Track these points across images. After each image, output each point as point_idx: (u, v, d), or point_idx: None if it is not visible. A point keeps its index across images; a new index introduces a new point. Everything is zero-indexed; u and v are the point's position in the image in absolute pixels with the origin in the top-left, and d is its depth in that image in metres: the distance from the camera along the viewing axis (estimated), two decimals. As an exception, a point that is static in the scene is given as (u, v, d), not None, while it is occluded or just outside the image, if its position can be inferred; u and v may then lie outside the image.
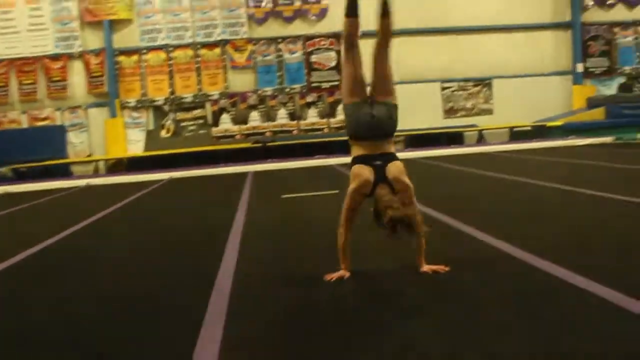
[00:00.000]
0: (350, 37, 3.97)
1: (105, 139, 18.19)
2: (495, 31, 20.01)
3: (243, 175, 12.89)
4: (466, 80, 19.82)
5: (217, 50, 18.47)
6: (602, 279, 3.13)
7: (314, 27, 18.97)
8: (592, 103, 19.30)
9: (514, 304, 2.95)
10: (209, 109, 18.67)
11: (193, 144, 17.99)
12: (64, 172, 17.19)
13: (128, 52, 18.18)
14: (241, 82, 18.82)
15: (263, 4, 18.59)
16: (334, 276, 3.59)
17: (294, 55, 18.88)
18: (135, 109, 18.35)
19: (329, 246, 3.89)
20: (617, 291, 2.91)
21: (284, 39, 18.80)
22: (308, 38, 18.86)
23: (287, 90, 18.90)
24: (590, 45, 20.71)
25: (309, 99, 19.01)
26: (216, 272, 3.95)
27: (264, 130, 18.78)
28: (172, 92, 18.39)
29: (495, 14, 19.81)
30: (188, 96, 18.46)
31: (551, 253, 3.76)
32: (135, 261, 4.72)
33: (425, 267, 3.62)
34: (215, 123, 18.65)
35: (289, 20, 18.81)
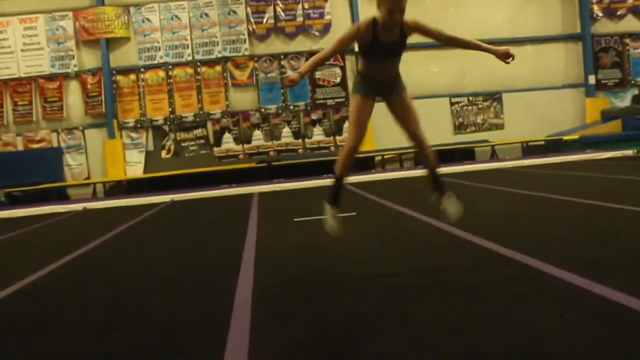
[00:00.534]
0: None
1: (103, 160, 17.53)
2: (504, 44, 19.27)
3: (248, 196, 12.18)
4: (476, 94, 19.21)
5: (218, 68, 17.88)
6: None
7: (317, 42, 18.39)
8: (606, 115, 18.66)
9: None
10: (210, 129, 18.03)
11: (194, 164, 17.32)
12: (60, 195, 16.51)
13: (126, 71, 17.59)
14: (243, 100, 18.21)
15: (264, 20, 18.04)
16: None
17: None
18: (134, 129, 17.71)
19: (356, 278, 3.21)
20: None
21: (286, 55, 18.22)
22: (311, 54, 18.25)
23: (291, 107, 18.28)
24: (602, 57, 20.15)
25: (314, 116, 18.38)
26: (229, 319, 3.23)
27: (267, 150, 18.12)
28: (172, 112, 17.76)
29: (503, 27, 19.29)
30: (188, 115, 17.82)
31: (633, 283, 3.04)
32: (132, 302, 3.99)
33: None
34: (217, 143, 18.00)
35: (291, 36, 18.24)
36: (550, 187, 8.69)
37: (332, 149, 18.31)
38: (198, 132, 17.97)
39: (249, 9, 17.92)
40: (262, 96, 18.14)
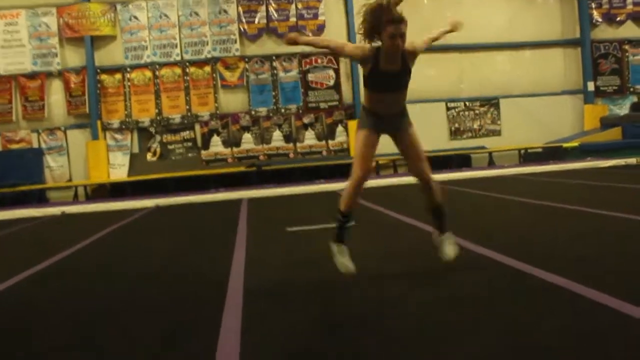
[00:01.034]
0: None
1: (86, 162, 16.79)
2: (502, 49, 18.99)
3: (237, 202, 11.54)
4: (472, 100, 18.68)
5: (207, 69, 17.23)
6: None
7: (310, 43, 17.76)
8: (606, 123, 18.21)
9: None
10: (198, 131, 17.36)
11: (181, 168, 16.65)
12: (40, 198, 15.77)
13: (111, 70, 16.89)
14: (233, 102, 17.55)
15: (256, 20, 17.42)
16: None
17: (289, 74, 17.67)
18: (118, 130, 17.00)
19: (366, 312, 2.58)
20: None
21: (278, 56, 17.61)
22: (304, 56, 17.68)
23: (283, 110, 17.65)
24: (601, 63, 19.72)
25: (306, 120, 17.76)
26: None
27: (257, 154, 17.47)
28: (159, 113, 17.08)
29: (501, 31, 18.81)
30: (176, 117, 17.15)
31: None
32: (92, 329, 3.35)
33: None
34: (205, 146, 17.33)
35: (283, 36, 17.59)
36: (557, 196, 8.13)
37: (324, 153, 17.71)
38: (185, 134, 17.30)
39: (240, 8, 17.29)
40: (253, 98, 17.50)
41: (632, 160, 14.19)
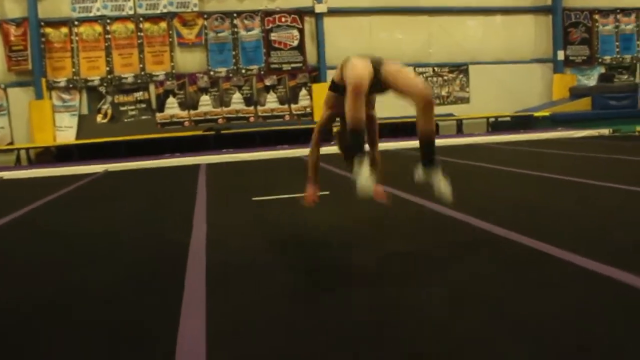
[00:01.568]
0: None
1: (29, 124, 15.50)
2: (472, 13, 18.31)
3: (194, 168, 10.65)
4: (441, 65, 18.03)
5: (163, 25, 16.03)
6: None
7: (273, 1, 16.76)
8: (575, 93, 17.84)
9: None
10: (152, 92, 16.22)
11: (134, 131, 15.55)
12: (-23, 162, 14.51)
13: (56, 23, 15.52)
14: (190, 61, 16.44)
15: (216, -28, 16.26)
16: (308, 199, 3.93)
17: (251, 33, 16.63)
18: (65, 90, 15.73)
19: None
20: None
21: (239, 13, 16.52)
22: (267, 14, 16.65)
23: (243, 71, 16.64)
24: (571, 32, 19.28)
25: (268, 82, 16.81)
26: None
27: (216, 117, 16.48)
28: (110, 72, 15.86)
29: (472, -6, 18.11)
30: (128, 76, 15.96)
31: None
32: (28, 323, 2.53)
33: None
34: (160, 108, 16.23)
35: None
36: (540, 166, 7.54)
37: (287, 118, 16.84)
38: (139, 95, 16.16)
39: (199, -41, 16.11)
40: (212, 58, 16.43)
41: (604, 131, 13.82)
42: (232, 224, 4.79)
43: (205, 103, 16.43)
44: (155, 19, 15.95)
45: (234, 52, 16.53)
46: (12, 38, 15.17)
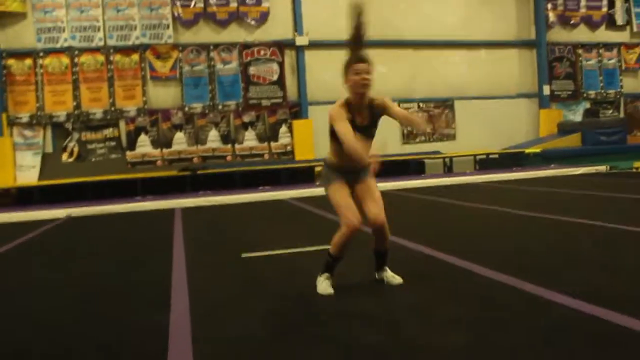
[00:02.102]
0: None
1: (-13, 163, 14.33)
2: (457, 47, 17.82)
3: (169, 213, 9.63)
4: (426, 100, 17.38)
5: (135, 57, 15.13)
6: None
7: (252, 33, 16.03)
8: (564, 129, 17.34)
9: None
10: (123, 129, 15.22)
11: (103, 170, 14.50)
12: None
13: (20, 54, 14.52)
14: (164, 96, 15.53)
15: (192, 3, 15.50)
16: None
17: (228, 66, 15.82)
18: (28, 126, 14.65)
19: None
20: None
21: (216, 46, 15.72)
22: (245, 46, 15.87)
23: (220, 107, 15.77)
24: (556, 67, 18.91)
25: (246, 118, 15.94)
26: None
27: (191, 156, 15.51)
28: (77, 107, 14.83)
29: (456, 28, 17.68)
30: (97, 112, 14.95)
31: None
32: None
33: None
34: (131, 146, 15.21)
35: (223, 24, 15.77)
36: (548, 207, 6.72)
37: (267, 156, 15.93)
38: (108, 132, 15.12)
39: (174, -11, 15.34)
40: (186, 92, 15.53)
41: (601, 168, 13.21)
42: (223, 295, 3.80)
43: (180, 141, 15.46)
44: (126, 50, 15.04)
45: (210, 87, 15.67)
46: (-30, 70, 14.10)
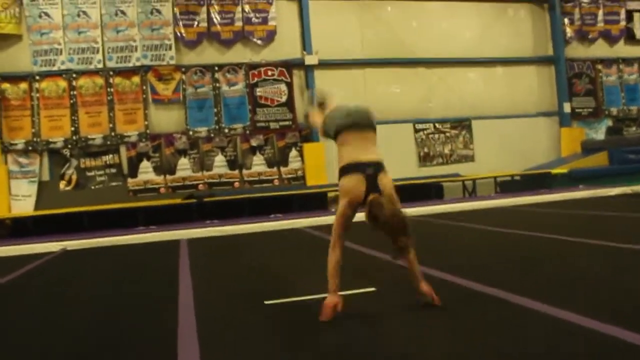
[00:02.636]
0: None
1: (-20, 193, 13.46)
2: (472, 64, 17.05)
3: (173, 245, 8.73)
4: (442, 121, 16.54)
5: (136, 79, 14.35)
6: None
7: (259, 53, 15.26)
8: (588, 147, 16.45)
9: None
10: (124, 155, 14.36)
11: (102, 199, 13.61)
12: None
13: (14, 78, 13.74)
14: (166, 120, 14.70)
15: (195, 23, 14.76)
16: (327, 312, 3.44)
17: (234, 88, 15.02)
18: (24, 153, 13.82)
19: None
20: None
21: (221, 66, 14.94)
22: (252, 67, 15.10)
23: (226, 131, 14.93)
24: (575, 83, 18.10)
25: (254, 142, 15.09)
26: None
27: (196, 182, 14.64)
28: (75, 132, 14.01)
29: (471, 45, 16.93)
30: (96, 137, 14.12)
31: None
32: None
33: (425, 287, 3.57)
34: (133, 173, 14.34)
35: (228, 43, 15.02)
36: (595, 232, 5.80)
37: (276, 182, 15.04)
38: (108, 158, 14.27)
39: (176, 8, 14.59)
40: (190, 116, 14.71)
41: (638, 188, 12.30)
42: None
43: (184, 167, 14.58)
44: (127, 73, 14.27)
45: (215, 110, 14.85)
46: (-37, 95, 13.32)
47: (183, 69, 14.64)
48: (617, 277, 4.22)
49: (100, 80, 14.11)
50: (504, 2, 17.52)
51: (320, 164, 15.03)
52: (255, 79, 15.13)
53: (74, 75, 13.98)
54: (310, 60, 15.21)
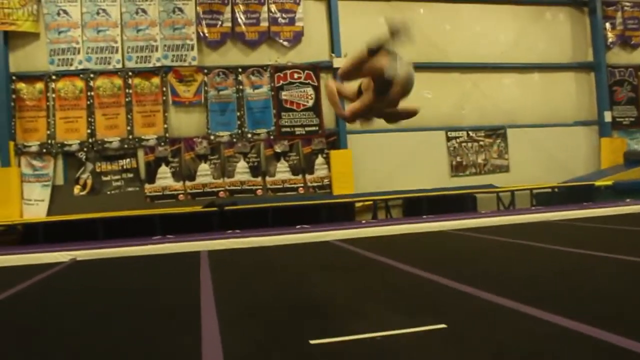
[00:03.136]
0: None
1: (-8, 197, 12.85)
2: (508, 70, 16.17)
3: (193, 257, 7.98)
4: (476, 129, 15.67)
5: (156, 80, 13.67)
6: None
7: (285, 55, 14.53)
8: (632, 159, 15.49)
9: None
10: (141, 159, 13.67)
11: (118, 205, 12.90)
12: None
13: (30, 77, 13.12)
14: (187, 123, 13.99)
15: (219, 23, 14.06)
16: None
17: (258, 91, 14.29)
18: (37, 155, 13.17)
19: None
20: None
21: (245, 68, 14.22)
22: (277, 69, 14.37)
23: (249, 136, 14.18)
24: (616, 91, 17.14)
25: (278, 148, 14.33)
26: None
27: (216, 189, 13.90)
28: (92, 135, 13.35)
29: (506, 50, 16.06)
30: (113, 140, 13.45)
31: None
32: None
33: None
34: (150, 178, 13.65)
35: (252, 44, 14.31)
36: None
37: (301, 190, 14.27)
38: (125, 162, 13.59)
39: (199, 8, 13.92)
40: (212, 119, 14.00)
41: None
42: None
43: (204, 173, 13.87)
44: (146, 73, 13.60)
45: (238, 113, 14.12)
46: (-25, 95, 12.72)
47: (205, 71, 13.95)
48: None
49: (118, 81, 13.46)
50: (541, 5, 16.65)
51: (347, 171, 14.25)
52: (281, 82, 14.39)
53: (92, 76, 13.34)
54: (338, 63, 14.42)
